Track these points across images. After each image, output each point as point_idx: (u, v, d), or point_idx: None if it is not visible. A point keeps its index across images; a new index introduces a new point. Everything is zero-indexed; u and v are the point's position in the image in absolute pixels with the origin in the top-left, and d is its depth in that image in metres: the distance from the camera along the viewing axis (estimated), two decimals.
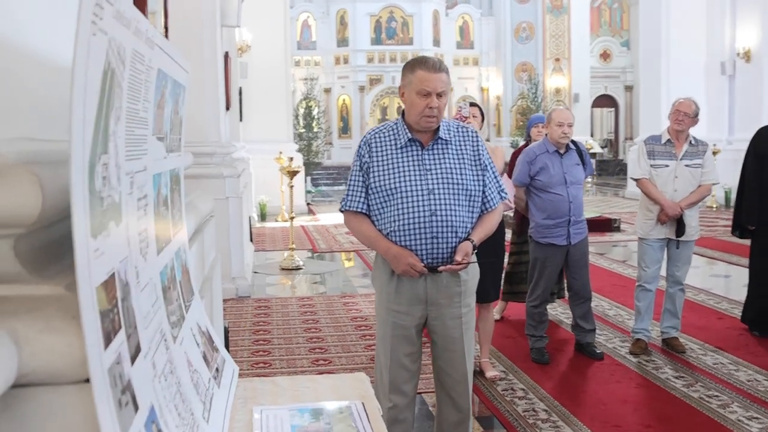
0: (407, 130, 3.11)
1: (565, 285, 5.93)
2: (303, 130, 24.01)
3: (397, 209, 3.04)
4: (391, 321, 3.15)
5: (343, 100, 27.00)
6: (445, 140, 3.12)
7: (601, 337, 5.89)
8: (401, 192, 3.03)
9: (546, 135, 5.39)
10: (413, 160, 3.08)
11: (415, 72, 3.03)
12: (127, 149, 1.36)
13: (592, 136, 27.04)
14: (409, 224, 3.01)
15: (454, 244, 3.03)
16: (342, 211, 3.24)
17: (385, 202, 3.07)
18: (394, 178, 3.06)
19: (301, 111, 24.80)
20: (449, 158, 3.09)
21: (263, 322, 6.57)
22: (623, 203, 16.78)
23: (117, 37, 1.21)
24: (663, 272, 5.62)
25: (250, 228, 10.75)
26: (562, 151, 5.29)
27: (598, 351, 5.46)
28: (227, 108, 8.76)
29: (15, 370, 1.01)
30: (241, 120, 13.43)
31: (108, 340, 1.11)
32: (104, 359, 1.08)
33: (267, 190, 14.86)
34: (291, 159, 9.58)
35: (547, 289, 5.46)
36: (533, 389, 4.79)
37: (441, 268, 3.00)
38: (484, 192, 3.15)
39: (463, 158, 3.11)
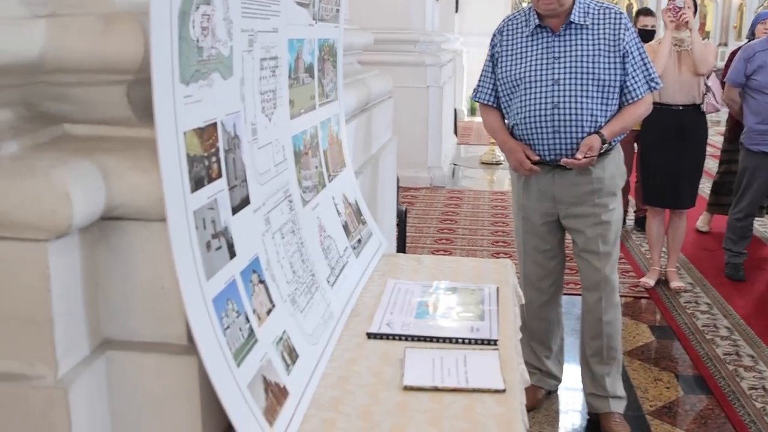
0: (536, 16, 2.87)
1: None
2: None
3: (521, 101, 2.87)
4: (521, 216, 3.06)
5: None
6: (579, 24, 2.82)
7: None
8: (525, 82, 2.85)
9: None
10: (541, 48, 2.85)
11: None
12: (245, 6, 1.39)
13: None
14: (531, 117, 2.83)
15: (579, 139, 2.80)
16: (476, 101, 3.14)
17: (511, 93, 2.92)
18: (520, 67, 2.87)
19: (524, 5, 24.09)
20: (582, 44, 2.81)
21: (452, 212, 6.65)
22: None
23: None
24: None
25: (455, 120, 10.76)
26: None
27: None
28: None
29: (103, 199, 1.09)
30: (456, 11, 13.28)
31: (199, 184, 1.18)
32: (189, 201, 1.13)
33: None
34: None
35: (754, 202, 5.05)
36: (719, 304, 4.52)
37: (563, 161, 2.81)
38: (625, 81, 2.83)
39: (599, 44, 2.81)
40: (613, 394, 3.10)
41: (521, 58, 2.88)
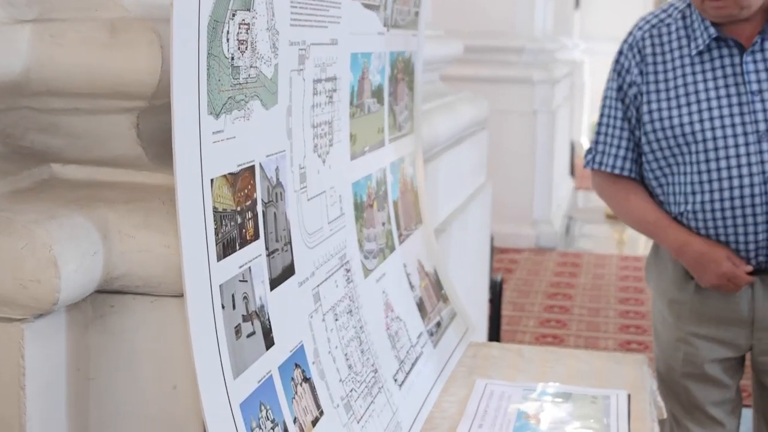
0: (707, 24, 2.30)
1: None
2: None
3: (698, 171, 2.32)
4: (682, 352, 2.48)
5: None
6: None
7: None
8: (705, 139, 2.30)
9: None
10: (724, 77, 2.32)
11: None
12: (296, 11, 1.42)
13: None
14: (722, 198, 2.30)
15: None
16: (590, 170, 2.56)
17: (674, 156, 2.36)
18: (690, 112, 2.32)
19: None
20: None
21: (566, 284, 6.59)
22: None
23: None
24: None
25: (572, 157, 10.73)
26: None
27: None
28: None
29: (100, 266, 1.11)
30: (576, 7, 13.34)
31: (228, 249, 1.19)
32: (215, 271, 1.15)
33: None
34: None
35: None
36: None
37: None
38: None
39: None
40: None
41: (688, 96, 2.34)
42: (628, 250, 8.07)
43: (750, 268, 2.29)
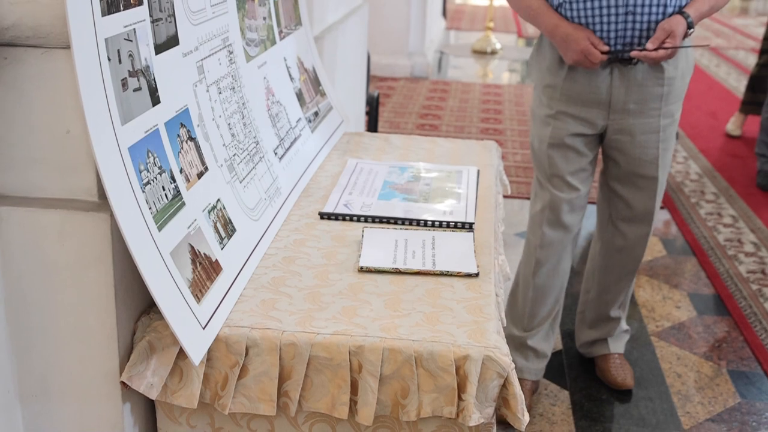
0: None
1: None
2: None
3: None
4: (551, 127, 2.60)
5: None
6: None
7: None
8: None
9: None
10: None
11: None
12: None
13: None
14: None
15: (656, 23, 2.37)
16: None
17: None
18: None
19: None
20: None
21: (435, 107, 6.63)
22: None
23: None
24: None
25: (444, 1, 10.65)
26: None
27: None
28: None
29: None
30: None
31: (113, 7, 1.16)
32: (100, 25, 1.12)
33: None
34: None
35: None
36: (747, 218, 4.58)
37: (633, 53, 2.36)
38: None
39: None
40: (619, 331, 3.01)
41: None
42: (488, 79, 8.12)
43: (606, 48, 2.37)
